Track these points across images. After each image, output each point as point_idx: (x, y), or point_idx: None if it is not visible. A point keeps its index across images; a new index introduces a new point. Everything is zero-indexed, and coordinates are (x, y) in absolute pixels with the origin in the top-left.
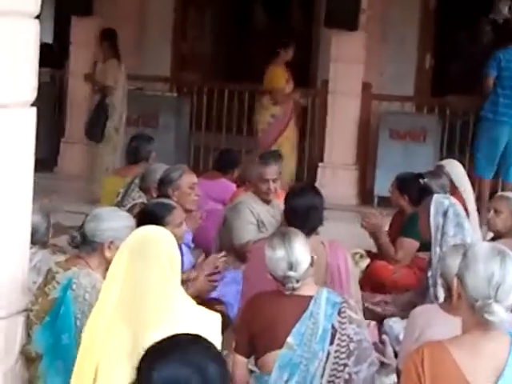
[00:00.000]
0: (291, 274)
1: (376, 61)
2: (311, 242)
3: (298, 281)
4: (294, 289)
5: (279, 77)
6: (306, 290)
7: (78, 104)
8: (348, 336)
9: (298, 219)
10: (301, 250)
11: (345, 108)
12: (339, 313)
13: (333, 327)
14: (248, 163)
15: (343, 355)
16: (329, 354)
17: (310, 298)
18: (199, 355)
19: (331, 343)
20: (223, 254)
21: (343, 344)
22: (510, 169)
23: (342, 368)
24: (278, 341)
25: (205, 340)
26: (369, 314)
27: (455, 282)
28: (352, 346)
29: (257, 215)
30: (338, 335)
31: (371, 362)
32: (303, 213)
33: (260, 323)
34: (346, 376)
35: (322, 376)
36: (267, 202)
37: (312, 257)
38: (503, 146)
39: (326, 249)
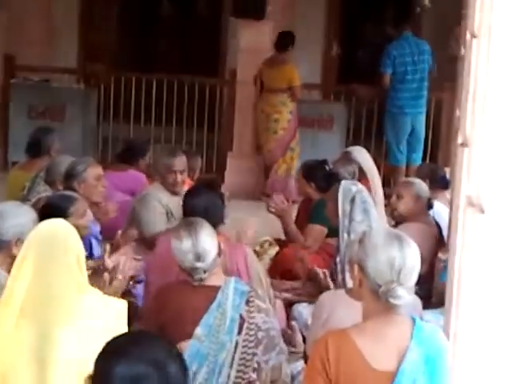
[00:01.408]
0: (198, 265)
1: None
2: None
3: (205, 271)
4: (201, 280)
5: (297, 74)
6: (214, 279)
7: None
8: (256, 325)
9: None
10: (207, 240)
11: (251, 97)
12: (247, 302)
13: (241, 317)
14: (157, 154)
15: (251, 344)
16: (237, 343)
17: (218, 288)
18: (160, 353)
19: (239, 333)
20: (139, 257)
21: (251, 333)
22: (414, 154)
23: (250, 357)
24: (186, 332)
25: (164, 340)
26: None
27: (355, 269)
28: (260, 334)
29: (165, 206)
30: (246, 324)
31: (280, 350)
32: (200, 213)
33: (168, 314)
34: (255, 365)
35: (231, 366)
36: (175, 193)
37: (219, 245)
38: (408, 135)
39: (224, 250)
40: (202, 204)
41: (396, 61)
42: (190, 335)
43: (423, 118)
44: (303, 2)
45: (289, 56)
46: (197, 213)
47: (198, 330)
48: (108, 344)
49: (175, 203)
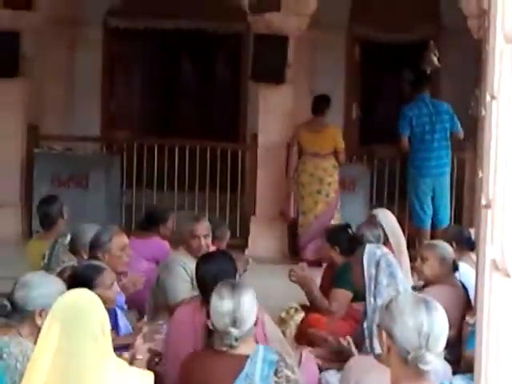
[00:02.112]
0: (232, 330)
1: (303, 112)
2: None
3: (237, 339)
4: (231, 347)
5: (341, 137)
6: (244, 348)
7: None
8: None
9: (207, 286)
10: (249, 307)
11: (274, 160)
12: (276, 372)
13: None
14: (180, 220)
15: None
16: None
17: (246, 357)
18: None
19: None
20: (161, 322)
21: None
22: (439, 215)
23: None
24: None
25: None
26: None
27: (383, 335)
28: None
29: (190, 273)
30: None
31: None
32: (211, 280)
33: (195, 382)
34: None
35: None
36: None
37: (257, 315)
38: (431, 195)
39: None
40: (213, 269)
41: (413, 122)
42: None
43: (446, 178)
44: (323, 66)
45: (326, 117)
46: (207, 278)
47: None
48: None
49: None
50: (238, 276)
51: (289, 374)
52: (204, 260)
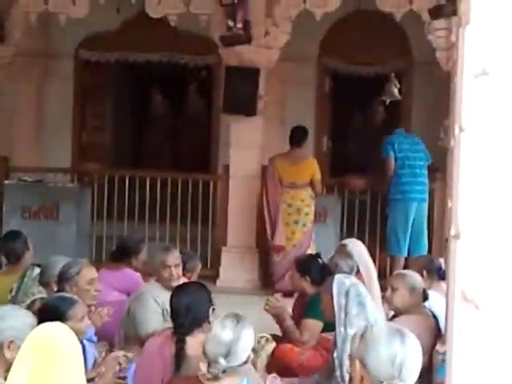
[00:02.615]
0: (222, 361)
1: (274, 144)
2: (194, 340)
3: (224, 371)
4: (215, 378)
5: (318, 168)
6: (226, 381)
7: None
8: None
9: (178, 316)
10: (247, 343)
11: (245, 192)
12: None
13: None
14: (151, 251)
15: None
16: None
17: None
18: None
19: None
20: (123, 352)
21: None
22: (416, 244)
23: None
24: None
25: None
26: None
27: (356, 364)
28: None
29: (161, 304)
30: None
31: None
32: (184, 310)
33: None
34: None
35: None
36: (171, 289)
37: (249, 356)
38: (411, 223)
39: None
40: (187, 300)
41: (396, 147)
42: None
43: (426, 205)
44: (293, 99)
45: (306, 149)
46: (180, 308)
47: None
48: None
49: None
50: (211, 309)
51: None
52: (179, 290)
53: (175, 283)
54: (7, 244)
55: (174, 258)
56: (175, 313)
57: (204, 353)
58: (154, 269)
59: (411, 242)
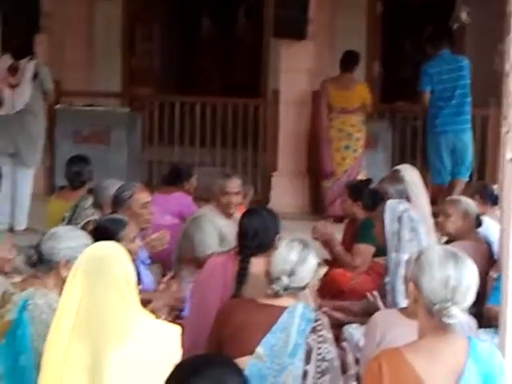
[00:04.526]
0: (284, 278)
1: (325, 69)
2: (258, 261)
3: (285, 289)
4: (276, 293)
5: (369, 92)
6: (283, 301)
7: None
8: (322, 355)
9: (246, 240)
10: (309, 269)
11: (295, 117)
12: (315, 331)
13: (307, 344)
14: (204, 177)
15: (318, 375)
16: (306, 373)
17: (284, 309)
18: (234, 380)
19: (307, 362)
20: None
21: (318, 364)
22: (457, 168)
23: None
24: (246, 349)
25: (237, 366)
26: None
27: (411, 286)
28: (325, 365)
29: (218, 229)
30: (314, 355)
31: (345, 380)
32: (251, 234)
33: (228, 330)
34: None
35: None
36: (228, 215)
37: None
38: (450, 153)
39: None
40: (256, 224)
41: (434, 79)
42: (249, 353)
43: (467, 135)
44: (344, 22)
45: (353, 73)
46: (249, 230)
47: (260, 349)
48: (180, 367)
49: (228, 227)
50: (277, 236)
51: (325, 334)
52: (251, 212)
53: (233, 210)
54: (74, 167)
55: (235, 185)
56: (244, 234)
57: (267, 272)
58: (214, 194)
59: (453, 170)
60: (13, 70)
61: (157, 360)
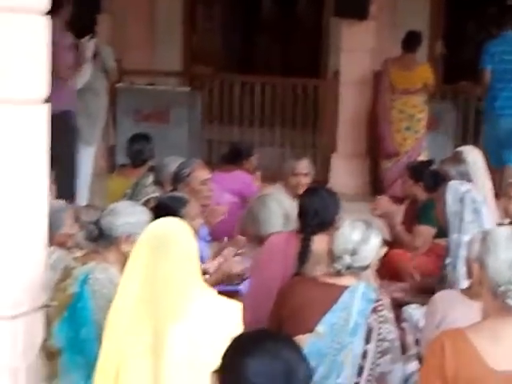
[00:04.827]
0: (346, 258)
1: (386, 49)
2: (320, 240)
3: (347, 268)
4: (337, 273)
5: (432, 73)
6: (345, 280)
7: None
8: (383, 335)
9: (306, 218)
10: (372, 248)
11: (356, 97)
12: (376, 311)
13: (368, 325)
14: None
15: (379, 355)
16: (366, 352)
17: (345, 288)
18: (292, 354)
19: (367, 342)
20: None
21: (379, 343)
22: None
23: (376, 367)
24: (307, 327)
25: (296, 343)
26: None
27: (476, 267)
28: (386, 345)
29: (283, 209)
30: (374, 335)
31: (405, 360)
32: (311, 212)
33: (289, 308)
34: (378, 375)
35: (361, 375)
36: (295, 196)
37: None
38: (506, 136)
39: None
40: (317, 203)
41: (495, 58)
42: (309, 331)
43: None
44: (406, 2)
45: (416, 54)
46: (309, 210)
47: (320, 328)
48: (238, 339)
49: (294, 208)
50: (337, 216)
51: (386, 314)
52: (311, 192)
53: (300, 191)
54: (136, 144)
55: (304, 166)
56: (304, 213)
57: (329, 251)
58: (283, 174)
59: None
60: (74, 48)
61: (218, 336)
